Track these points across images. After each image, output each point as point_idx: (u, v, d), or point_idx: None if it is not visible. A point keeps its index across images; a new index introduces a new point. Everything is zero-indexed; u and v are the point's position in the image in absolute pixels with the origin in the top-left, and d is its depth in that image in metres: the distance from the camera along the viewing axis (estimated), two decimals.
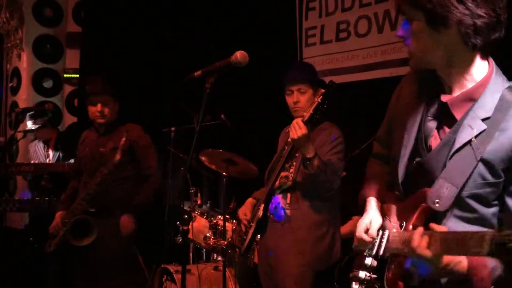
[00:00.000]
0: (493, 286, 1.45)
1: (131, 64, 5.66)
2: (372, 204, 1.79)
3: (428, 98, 1.63)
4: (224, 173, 3.81)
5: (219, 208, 4.67)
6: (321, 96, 2.76)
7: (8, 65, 7.31)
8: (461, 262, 1.42)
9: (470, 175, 1.47)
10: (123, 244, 3.54)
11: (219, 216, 3.94)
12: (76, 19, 7.06)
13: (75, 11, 7.08)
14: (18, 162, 6.26)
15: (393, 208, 1.71)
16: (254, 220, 3.03)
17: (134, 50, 5.92)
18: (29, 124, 5.18)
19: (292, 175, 3.07)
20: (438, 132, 1.59)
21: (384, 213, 1.76)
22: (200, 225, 4.05)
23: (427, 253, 1.39)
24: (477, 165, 1.46)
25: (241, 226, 3.26)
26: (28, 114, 5.11)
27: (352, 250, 1.87)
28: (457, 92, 1.55)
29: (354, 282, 1.73)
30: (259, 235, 3.03)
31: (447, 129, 1.56)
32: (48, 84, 7.01)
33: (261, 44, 4.87)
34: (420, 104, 1.64)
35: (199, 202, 4.38)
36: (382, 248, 1.68)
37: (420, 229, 1.45)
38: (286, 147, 3.06)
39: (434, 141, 1.58)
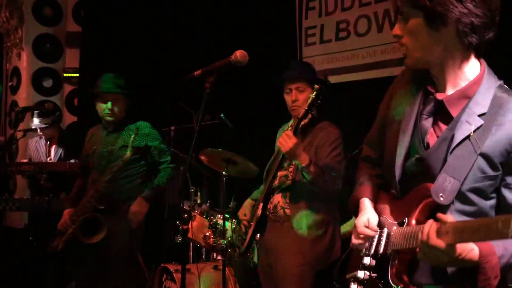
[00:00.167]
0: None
1: (130, 63, 5.65)
2: (367, 203, 1.82)
3: (423, 97, 1.67)
4: (223, 173, 3.81)
5: (218, 207, 4.66)
6: (315, 92, 2.78)
7: (8, 64, 7.31)
8: (473, 250, 1.44)
9: (471, 169, 1.51)
10: (131, 242, 3.54)
11: (219, 216, 3.94)
12: (76, 19, 7.06)
13: (75, 10, 7.08)
14: (18, 161, 6.26)
15: (387, 208, 1.75)
16: (253, 220, 3.03)
17: (134, 49, 5.92)
18: (36, 122, 5.17)
19: (291, 174, 3.07)
20: (434, 129, 1.63)
21: (378, 213, 1.78)
22: (199, 224, 4.05)
23: (441, 243, 1.40)
24: (476, 159, 1.50)
25: (240, 226, 3.26)
26: (36, 112, 5.11)
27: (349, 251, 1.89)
28: (451, 91, 1.59)
29: (352, 283, 1.73)
30: (258, 234, 3.04)
31: (443, 126, 1.60)
32: (48, 83, 7.01)
33: (261, 43, 4.87)
34: (414, 103, 1.67)
35: (198, 201, 4.38)
36: (382, 246, 1.69)
37: (430, 221, 1.47)
38: None
39: (431, 138, 1.62)
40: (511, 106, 1.51)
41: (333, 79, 4.55)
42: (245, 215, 3.29)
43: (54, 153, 5.27)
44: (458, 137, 1.53)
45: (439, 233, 1.41)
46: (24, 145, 5.94)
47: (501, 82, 1.58)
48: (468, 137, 1.52)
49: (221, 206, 4.24)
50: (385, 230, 1.71)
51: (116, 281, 3.53)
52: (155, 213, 3.79)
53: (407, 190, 1.66)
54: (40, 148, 5.30)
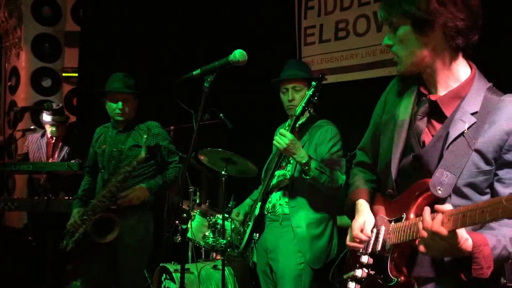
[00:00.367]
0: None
1: (129, 63, 5.65)
2: (363, 205, 1.89)
3: (416, 99, 1.76)
4: (223, 172, 3.81)
5: (218, 207, 4.67)
6: (312, 88, 2.78)
7: (6, 64, 7.30)
8: (468, 240, 1.49)
9: (466, 164, 1.59)
10: (141, 243, 3.53)
11: (218, 215, 3.94)
12: (74, 18, 7.06)
13: (73, 10, 7.09)
14: (17, 161, 6.26)
15: (383, 208, 1.82)
16: (251, 219, 3.03)
17: (133, 49, 5.92)
18: (48, 119, 5.17)
19: (289, 173, 3.07)
20: (428, 129, 1.71)
21: (374, 213, 1.86)
22: (199, 224, 4.05)
23: (443, 229, 1.45)
24: (471, 154, 1.59)
25: (240, 225, 3.26)
26: (53, 110, 5.12)
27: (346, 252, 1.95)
28: (443, 91, 1.69)
29: (350, 282, 1.77)
30: (257, 234, 3.04)
31: (437, 125, 1.69)
32: (46, 83, 7.01)
33: (260, 43, 4.87)
34: (407, 105, 1.77)
35: (198, 201, 4.38)
36: (380, 244, 1.74)
37: (428, 209, 1.52)
38: None
39: (426, 137, 1.70)
40: (502, 105, 1.60)
41: (332, 78, 4.58)
42: (237, 214, 3.29)
43: (58, 152, 5.27)
44: (453, 134, 1.61)
45: (441, 221, 1.46)
46: (23, 144, 5.93)
47: (490, 84, 1.68)
48: (462, 134, 1.60)
49: (220, 205, 4.24)
50: (382, 228, 1.76)
51: (125, 282, 3.53)
52: (154, 213, 3.77)
53: (404, 188, 1.73)
54: (42, 147, 5.29)
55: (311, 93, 2.79)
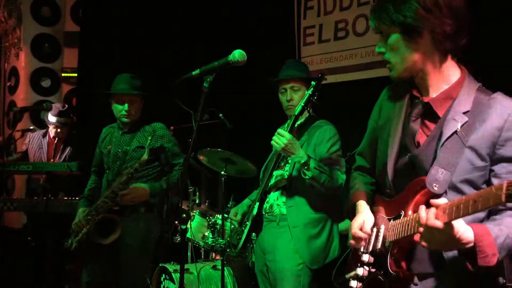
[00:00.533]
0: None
1: (129, 63, 5.65)
2: (362, 205, 1.95)
3: (409, 102, 1.84)
4: (222, 172, 3.81)
5: (217, 207, 4.67)
6: (311, 88, 2.77)
7: (6, 64, 7.29)
8: (469, 230, 1.53)
9: (460, 161, 1.65)
10: (143, 245, 3.53)
11: (218, 215, 3.94)
12: (74, 18, 7.05)
13: (73, 10, 7.08)
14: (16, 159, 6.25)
15: (382, 208, 1.88)
16: (249, 219, 3.03)
17: (132, 49, 5.91)
18: (52, 119, 5.15)
19: (287, 173, 3.06)
20: (422, 129, 1.78)
21: (375, 213, 1.91)
22: (198, 224, 4.05)
23: (438, 223, 1.50)
24: (465, 151, 1.65)
25: (238, 225, 3.26)
26: (59, 111, 5.10)
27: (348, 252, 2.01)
28: (435, 93, 1.77)
29: (352, 280, 1.82)
30: (254, 233, 3.03)
31: (431, 126, 1.76)
32: (46, 83, 7.00)
33: (259, 43, 4.87)
34: (401, 108, 1.85)
35: (197, 201, 4.38)
36: (380, 242, 1.79)
37: (423, 206, 1.57)
38: None
39: (421, 137, 1.78)
40: (492, 103, 1.67)
41: (331, 78, 4.58)
42: (235, 214, 3.28)
43: (60, 153, 5.26)
44: (447, 133, 1.68)
45: (436, 215, 1.51)
46: (23, 144, 5.92)
47: (480, 84, 1.76)
48: (455, 132, 1.67)
49: (220, 206, 4.24)
50: (382, 227, 1.82)
51: (125, 282, 3.52)
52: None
53: (401, 188, 1.79)
54: (43, 147, 5.29)
55: (310, 93, 2.79)
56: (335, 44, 4.64)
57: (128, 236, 3.47)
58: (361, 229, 1.86)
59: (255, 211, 2.99)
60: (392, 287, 1.73)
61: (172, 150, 3.64)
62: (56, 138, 5.24)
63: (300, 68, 3.20)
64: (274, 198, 3.10)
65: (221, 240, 3.71)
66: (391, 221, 1.78)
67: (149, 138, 3.46)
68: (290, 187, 3.03)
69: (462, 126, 1.67)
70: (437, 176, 1.65)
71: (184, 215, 2.35)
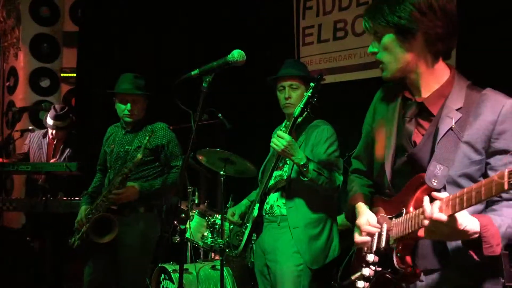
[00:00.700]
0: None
1: (128, 63, 5.65)
2: (363, 206, 1.98)
3: (402, 103, 1.89)
4: (221, 172, 3.81)
5: (216, 207, 4.66)
6: (310, 90, 2.77)
7: (5, 64, 7.29)
8: (475, 221, 1.57)
9: (457, 156, 1.70)
10: (143, 246, 3.52)
11: (217, 215, 3.93)
12: (73, 18, 7.05)
13: (72, 10, 7.08)
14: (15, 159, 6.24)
15: (382, 208, 1.91)
16: (249, 220, 3.02)
17: (131, 49, 5.91)
18: (49, 122, 5.13)
19: (286, 173, 3.06)
20: (417, 129, 1.83)
21: (375, 214, 1.93)
22: (198, 224, 4.05)
23: (442, 216, 1.53)
24: (461, 146, 1.71)
25: (236, 225, 3.26)
26: (55, 114, 5.07)
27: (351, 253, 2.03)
28: (426, 94, 1.82)
29: (359, 281, 1.85)
30: (254, 235, 3.03)
31: (425, 124, 1.81)
32: (45, 83, 7.00)
33: (258, 43, 4.87)
34: (395, 110, 1.90)
35: (196, 201, 4.38)
36: (383, 241, 1.82)
37: (427, 199, 1.60)
38: None
39: (417, 137, 1.82)
40: (484, 99, 1.73)
41: (330, 78, 4.58)
42: (232, 214, 3.28)
43: (59, 155, 5.25)
44: (442, 130, 1.73)
45: (438, 208, 1.54)
46: (22, 144, 5.91)
47: (469, 82, 1.82)
48: (450, 128, 1.72)
49: (219, 206, 4.24)
50: (385, 226, 1.84)
51: (125, 282, 3.52)
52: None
53: (400, 187, 1.83)
54: (43, 147, 5.28)
55: (309, 95, 2.78)
56: (334, 44, 4.64)
57: (127, 236, 3.47)
58: (369, 225, 1.89)
59: (255, 213, 2.98)
60: (400, 283, 1.77)
61: (171, 151, 3.63)
62: (56, 140, 5.24)
63: (299, 67, 3.21)
64: (274, 199, 3.10)
65: (220, 240, 3.71)
66: (393, 219, 1.81)
67: (147, 138, 3.46)
68: (289, 188, 3.03)
69: (456, 122, 1.72)
70: (435, 172, 1.69)
71: (183, 215, 2.35)
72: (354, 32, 4.48)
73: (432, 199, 1.59)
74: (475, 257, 1.60)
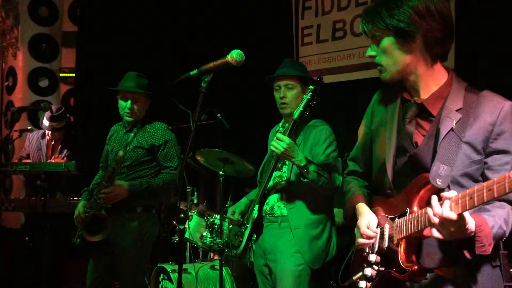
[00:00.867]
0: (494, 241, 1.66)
1: (126, 63, 5.64)
2: (363, 207, 1.99)
3: (401, 105, 1.91)
4: (220, 172, 3.81)
5: (215, 207, 4.67)
6: (310, 93, 2.77)
7: (3, 64, 7.28)
8: (472, 221, 1.61)
9: (458, 156, 1.73)
10: (139, 243, 3.52)
11: (216, 215, 3.94)
12: (72, 18, 7.05)
13: (70, 10, 7.07)
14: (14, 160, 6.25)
15: (383, 208, 1.93)
16: (249, 221, 3.02)
17: (130, 49, 5.91)
18: (46, 123, 5.12)
19: (285, 174, 3.06)
20: (418, 130, 1.86)
21: (375, 214, 1.95)
22: (196, 224, 4.05)
23: (452, 214, 1.56)
24: (462, 146, 1.74)
25: (236, 224, 3.26)
26: (50, 115, 5.06)
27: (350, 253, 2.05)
28: (425, 95, 1.85)
29: (361, 281, 1.86)
30: (254, 235, 3.03)
31: (426, 125, 1.84)
32: (44, 83, 6.99)
33: (257, 43, 4.88)
34: (394, 112, 1.92)
35: (195, 201, 4.38)
36: (386, 241, 1.83)
37: (436, 197, 1.63)
38: None
39: (418, 138, 1.85)
40: (482, 100, 1.77)
41: (329, 78, 4.58)
42: (233, 213, 3.28)
43: (59, 152, 5.25)
44: (444, 130, 1.76)
45: (449, 207, 1.57)
46: (20, 144, 5.91)
47: (466, 83, 1.85)
48: (451, 129, 1.75)
49: (218, 205, 4.24)
50: (387, 226, 1.86)
51: (122, 282, 3.52)
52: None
53: (402, 187, 1.85)
54: (42, 148, 5.28)
55: (309, 97, 2.77)
56: (333, 44, 4.64)
57: (123, 236, 3.47)
58: (368, 228, 1.90)
59: (255, 214, 2.98)
60: (406, 282, 1.79)
61: (167, 152, 3.60)
62: (53, 140, 5.24)
63: (296, 67, 3.20)
64: (274, 200, 3.11)
65: (219, 240, 3.71)
66: (396, 219, 1.82)
67: (131, 134, 3.45)
68: (289, 190, 3.03)
69: (457, 123, 1.75)
70: (439, 172, 1.71)
71: (182, 215, 2.35)
72: (353, 32, 4.48)
73: (439, 199, 1.62)
74: (468, 255, 1.64)
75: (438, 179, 1.71)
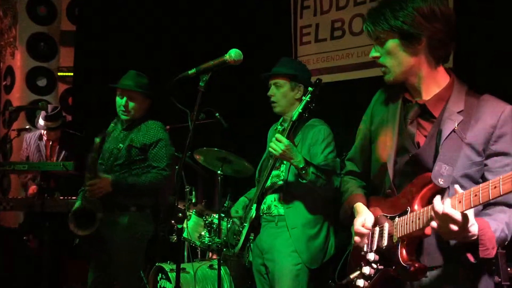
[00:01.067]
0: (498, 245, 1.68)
1: (125, 62, 5.63)
2: (361, 207, 2.00)
3: (402, 105, 1.92)
4: (218, 172, 3.80)
5: (214, 206, 4.66)
6: (309, 95, 2.77)
7: (1, 64, 7.27)
8: (475, 224, 1.62)
9: (459, 157, 1.75)
10: (131, 241, 3.52)
11: (214, 215, 3.93)
12: (70, 17, 7.04)
13: (69, 9, 7.07)
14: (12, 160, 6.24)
15: (381, 208, 1.93)
16: (247, 220, 3.02)
17: (128, 48, 5.90)
18: (41, 123, 5.11)
19: (283, 173, 3.06)
20: (419, 131, 1.87)
21: (373, 214, 1.96)
22: (195, 224, 4.05)
23: (456, 212, 1.56)
24: (463, 148, 1.76)
25: (232, 223, 3.26)
26: (45, 115, 5.05)
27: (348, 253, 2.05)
28: (427, 97, 1.87)
29: (358, 280, 1.86)
30: (252, 234, 3.03)
31: (427, 126, 1.86)
32: (42, 82, 6.98)
33: (256, 42, 4.87)
34: (395, 113, 1.93)
35: (194, 200, 4.37)
36: (385, 239, 1.84)
37: (439, 196, 1.64)
38: None
39: (420, 138, 1.86)
40: (483, 104, 1.80)
41: (328, 78, 4.57)
42: (236, 211, 3.29)
43: (57, 154, 5.24)
44: (445, 131, 1.78)
45: (450, 204, 1.58)
46: (18, 143, 5.90)
47: (467, 87, 1.88)
48: (453, 130, 1.77)
49: (216, 205, 4.24)
50: (386, 225, 1.86)
51: (117, 280, 3.52)
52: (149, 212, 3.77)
53: (401, 187, 1.87)
54: (41, 150, 5.27)
55: (308, 99, 2.77)
56: (332, 43, 4.64)
57: (116, 235, 3.47)
58: (362, 226, 1.91)
59: (253, 213, 2.98)
60: (406, 280, 1.80)
61: (156, 152, 3.57)
62: (51, 141, 5.24)
63: (290, 65, 3.19)
64: (272, 199, 3.11)
65: (218, 240, 3.71)
66: (397, 218, 1.83)
67: (112, 124, 3.50)
68: (286, 190, 3.04)
69: (458, 124, 1.77)
70: (441, 171, 1.73)
71: (181, 214, 2.35)
72: (352, 31, 4.48)
73: (442, 198, 1.63)
74: (472, 259, 1.66)
75: (440, 179, 1.72)
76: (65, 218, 3.60)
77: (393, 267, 1.78)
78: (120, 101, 3.58)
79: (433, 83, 1.86)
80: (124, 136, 3.62)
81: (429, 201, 1.73)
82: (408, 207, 1.79)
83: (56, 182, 4.99)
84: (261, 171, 3.22)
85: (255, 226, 3.02)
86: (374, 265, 1.85)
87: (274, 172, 3.09)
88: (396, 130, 1.90)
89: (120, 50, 5.94)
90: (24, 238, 4.99)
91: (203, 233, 3.93)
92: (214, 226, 3.85)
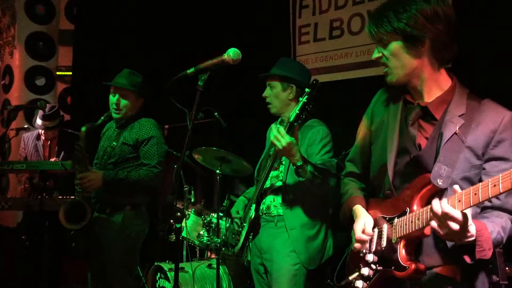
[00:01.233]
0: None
1: (123, 61, 5.63)
2: (360, 209, 2.01)
3: (403, 107, 1.93)
4: (217, 171, 3.81)
5: (212, 206, 4.67)
6: (306, 96, 2.77)
7: (0, 63, 7.26)
8: (473, 224, 1.63)
9: (460, 160, 1.76)
10: (126, 240, 3.52)
11: (213, 214, 3.94)
12: (68, 17, 7.03)
13: (67, 8, 7.06)
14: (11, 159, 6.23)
15: (380, 209, 1.94)
16: (246, 221, 3.03)
17: (127, 47, 5.90)
18: (39, 122, 5.11)
19: (282, 174, 3.07)
20: (420, 132, 1.88)
21: (372, 216, 1.97)
22: (193, 223, 4.05)
23: (456, 211, 1.57)
24: (464, 151, 1.77)
25: (233, 223, 3.26)
26: (43, 114, 5.04)
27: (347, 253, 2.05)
28: (429, 99, 1.88)
29: (357, 281, 1.87)
30: (252, 234, 3.03)
31: (429, 128, 1.86)
32: (40, 81, 6.97)
33: (254, 42, 4.87)
34: (396, 114, 1.94)
35: (192, 200, 4.38)
36: (384, 240, 1.85)
37: (437, 199, 1.64)
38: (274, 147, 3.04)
39: (421, 140, 1.87)
40: (484, 108, 1.82)
41: (326, 77, 4.58)
42: (237, 212, 3.29)
43: (56, 154, 5.23)
44: (447, 134, 1.79)
45: (448, 203, 1.59)
46: (17, 143, 5.90)
47: (468, 91, 1.89)
48: (455, 133, 1.78)
49: (215, 204, 4.24)
50: (385, 226, 1.87)
51: (112, 280, 3.52)
52: (148, 212, 3.77)
53: (401, 188, 1.88)
54: (39, 150, 5.27)
55: (305, 100, 2.77)
56: (330, 43, 4.64)
57: (110, 234, 3.47)
58: (363, 232, 1.91)
59: (252, 214, 2.98)
60: (405, 280, 1.80)
61: (147, 149, 3.54)
62: (49, 140, 5.23)
63: (285, 66, 3.18)
64: (271, 200, 3.11)
65: (216, 239, 3.71)
66: (396, 218, 1.83)
67: (102, 118, 3.50)
68: (285, 190, 3.04)
69: (460, 127, 1.78)
70: (441, 172, 1.74)
71: (179, 214, 2.35)
72: (350, 30, 4.48)
73: (440, 199, 1.64)
74: (468, 260, 1.67)
75: (439, 179, 1.74)
76: None
77: (392, 268, 1.79)
78: (112, 99, 3.58)
79: (435, 85, 1.87)
80: (117, 134, 3.63)
81: (428, 202, 1.74)
82: (407, 208, 1.80)
83: (55, 181, 4.99)
84: (260, 170, 3.22)
85: (254, 227, 3.02)
86: (373, 266, 1.86)
87: (273, 173, 3.09)
88: (397, 131, 1.91)
89: (118, 49, 5.94)
90: (23, 237, 4.98)
91: (201, 232, 3.93)
92: (213, 225, 3.85)
